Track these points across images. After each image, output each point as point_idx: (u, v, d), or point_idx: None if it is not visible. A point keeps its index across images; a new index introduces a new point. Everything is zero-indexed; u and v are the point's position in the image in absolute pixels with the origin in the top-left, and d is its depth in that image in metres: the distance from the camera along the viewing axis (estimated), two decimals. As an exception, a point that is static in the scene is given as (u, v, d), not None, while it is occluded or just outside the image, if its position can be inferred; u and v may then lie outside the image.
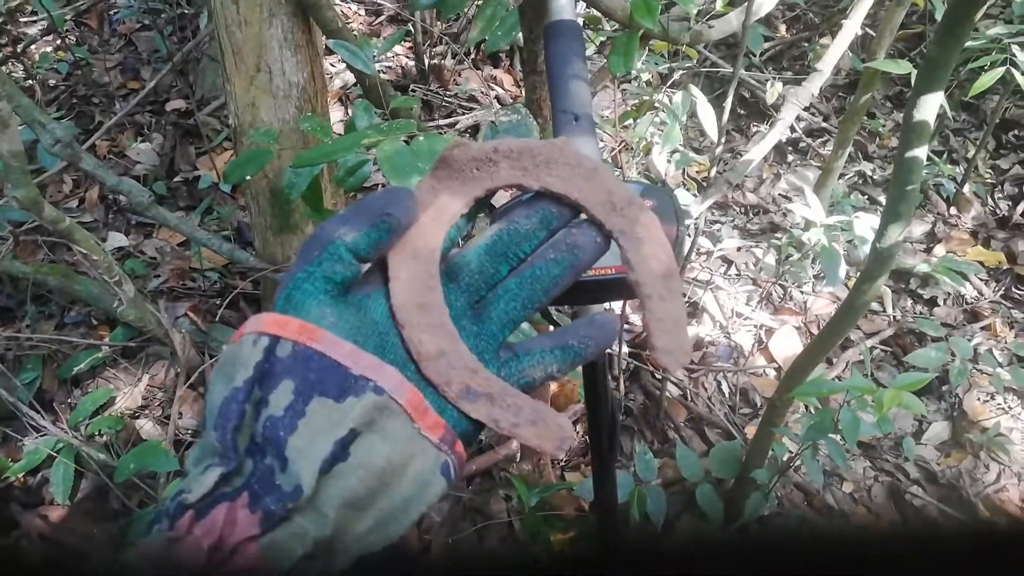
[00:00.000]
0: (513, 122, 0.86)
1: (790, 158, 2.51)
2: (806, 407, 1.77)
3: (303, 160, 0.83)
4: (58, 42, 2.55)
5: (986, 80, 1.78)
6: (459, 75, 2.57)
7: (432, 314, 0.37)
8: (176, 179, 2.17)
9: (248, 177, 1.24)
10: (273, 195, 1.40)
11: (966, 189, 2.35)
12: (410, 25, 2.50)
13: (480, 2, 1.08)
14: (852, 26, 1.34)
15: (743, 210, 2.32)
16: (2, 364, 1.51)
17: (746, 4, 1.19)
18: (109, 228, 2.03)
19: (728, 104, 1.21)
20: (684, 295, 1.91)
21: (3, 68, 2.33)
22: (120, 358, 1.68)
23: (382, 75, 2.44)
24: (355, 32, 2.68)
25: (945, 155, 2.47)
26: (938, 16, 1.80)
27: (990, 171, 2.46)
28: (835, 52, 1.36)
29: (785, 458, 1.47)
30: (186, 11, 2.51)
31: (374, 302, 0.38)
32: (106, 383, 1.63)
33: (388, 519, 0.34)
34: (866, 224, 1.51)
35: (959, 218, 2.33)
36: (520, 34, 1.09)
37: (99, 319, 1.75)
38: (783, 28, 2.85)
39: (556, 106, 0.72)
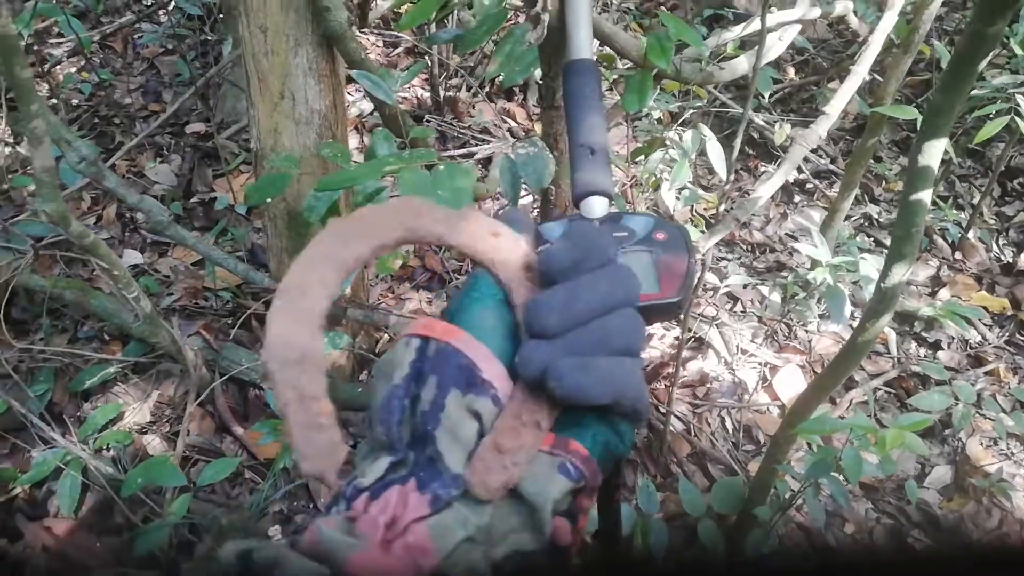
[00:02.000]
0: (530, 154, 0.89)
1: (797, 198, 2.54)
2: (809, 445, 1.78)
3: (327, 184, 0.86)
4: (82, 63, 2.61)
5: (991, 128, 1.81)
6: (473, 107, 2.62)
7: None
8: (192, 200, 2.21)
9: (268, 200, 1.27)
10: (290, 218, 1.43)
11: (971, 235, 2.37)
12: (427, 58, 2.56)
13: (498, 39, 1.12)
14: (860, 72, 1.38)
15: (749, 248, 2.35)
16: (15, 376, 1.53)
17: (757, 47, 1.23)
18: (125, 245, 2.06)
19: (738, 143, 1.24)
20: (690, 330, 1.93)
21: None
22: (131, 374, 1.70)
23: (399, 106, 2.50)
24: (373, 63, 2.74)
25: (951, 200, 2.50)
26: (944, 65, 1.84)
27: (995, 217, 2.48)
28: (843, 96, 1.39)
29: (787, 496, 1.47)
30: (209, 38, 2.58)
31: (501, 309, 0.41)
32: (116, 398, 1.65)
33: (531, 517, 0.36)
34: (872, 265, 1.54)
35: (964, 263, 2.35)
36: (535, 70, 1.13)
37: (111, 335, 1.77)
38: (792, 71, 2.90)
39: (574, 140, 0.74)
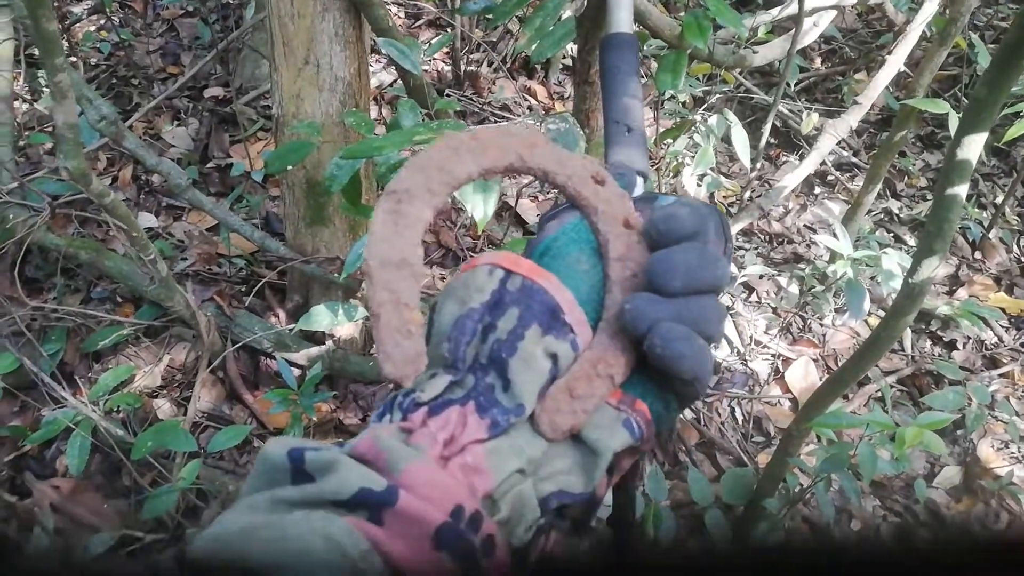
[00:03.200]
0: (561, 130, 0.87)
1: (817, 190, 2.51)
2: (818, 438, 1.77)
3: (352, 152, 0.84)
4: (102, 22, 2.58)
5: (1020, 127, 1.78)
6: (494, 84, 2.59)
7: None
8: (209, 165, 2.19)
9: (288, 167, 1.25)
10: (309, 187, 1.42)
11: (992, 234, 2.34)
12: (449, 31, 2.53)
13: (524, 14, 1.10)
14: (895, 62, 1.35)
15: (767, 238, 2.32)
16: (28, 333, 1.53)
17: (792, 32, 1.20)
18: (140, 208, 2.05)
19: (767, 130, 1.21)
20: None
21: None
22: (143, 337, 1.69)
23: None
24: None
25: (973, 199, 2.47)
26: (978, 59, 1.81)
27: (1017, 218, 2.45)
28: (877, 86, 1.36)
29: (796, 489, 1.46)
30: (231, 1, 2.55)
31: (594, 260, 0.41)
32: (127, 360, 1.65)
33: (583, 462, 0.36)
34: (894, 260, 1.51)
35: (983, 263, 2.32)
36: (564, 46, 1.11)
37: (124, 297, 1.77)
38: (819, 60, 2.86)
39: (609, 116, 0.72)
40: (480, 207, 0.75)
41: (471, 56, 2.64)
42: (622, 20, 0.75)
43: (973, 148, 0.92)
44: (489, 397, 0.36)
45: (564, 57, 2.64)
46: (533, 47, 1.13)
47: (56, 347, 1.59)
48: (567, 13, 0.74)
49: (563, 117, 0.89)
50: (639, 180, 0.69)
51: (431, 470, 0.32)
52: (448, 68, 2.59)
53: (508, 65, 2.66)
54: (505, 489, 0.34)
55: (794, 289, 2.05)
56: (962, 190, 0.94)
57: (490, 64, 2.62)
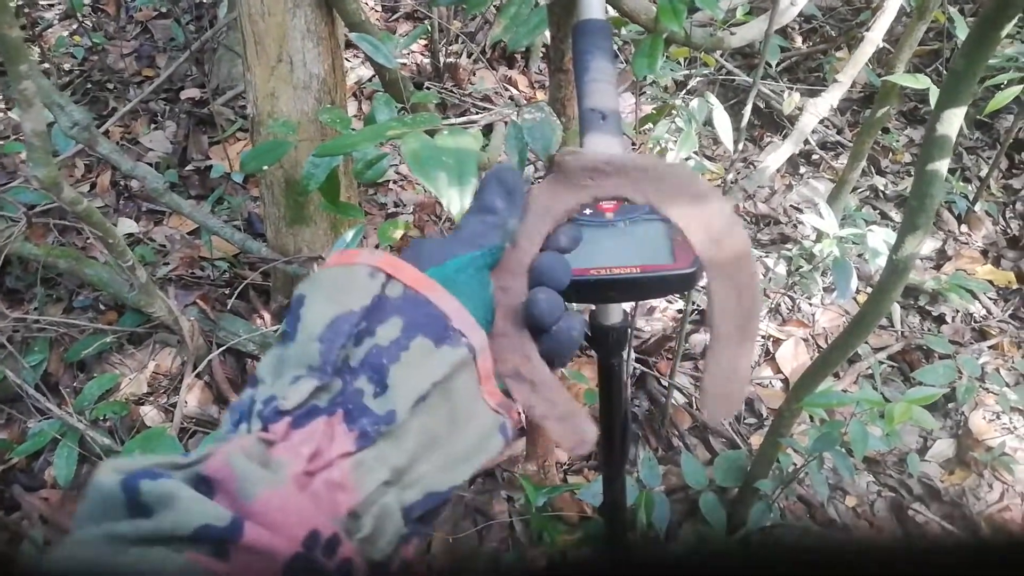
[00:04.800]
0: (536, 120, 0.86)
1: (802, 170, 2.51)
2: (811, 418, 1.77)
3: (325, 149, 0.83)
4: (75, 27, 2.55)
5: (1002, 98, 1.77)
6: (474, 74, 2.57)
7: (510, 298, 0.41)
8: (188, 168, 2.17)
9: (265, 167, 1.24)
10: (288, 186, 1.40)
11: (977, 207, 2.35)
12: (427, 22, 2.51)
13: (503, 0, 1.08)
14: (874, 38, 1.34)
15: (753, 219, 2.32)
16: (9, 346, 1.51)
17: (768, 12, 1.19)
18: (120, 214, 2.02)
19: (747, 112, 1.20)
20: (694, 303, 1.91)
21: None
22: (127, 344, 1.68)
23: (400, 71, 2.45)
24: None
25: (958, 173, 2.47)
26: (957, 33, 1.80)
27: (1002, 190, 2.45)
28: (856, 64, 1.35)
29: (790, 469, 1.46)
30: (204, 0, 2.51)
31: (479, 263, 0.41)
32: (112, 368, 1.63)
33: (453, 463, 0.36)
34: (879, 237, 1.51)
35: (970, 236, 2.33)
36: (542, 33, 1.09)
37: (107, 304, 1.75)
38: (799, 39, 2.85)
39: (584, 104, 0.71)
40: (456, 201, 0.74)
41: (450, 48, 2.62)
42: (593, 5, 0.74)
43: (953, 122, 0.91)
44: (358, 404, 0.35)
45: (544, 45, 2.62)
46: (509, 36, 1.12)
47: (39, 358, 1.57)
48: (541, 0, 0.73)
49: (539, 106, 0.87)
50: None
51: (286, 495, 0.31)
52: (427, 60, 2.57)
53: (488, 55, 2.64)
54: (370, 503, 0.33)
55: (781, 270, 2.05)
56: (943, 165, 0.94)
57: (469, 55, 2.60)
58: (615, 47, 2.03)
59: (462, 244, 0.41)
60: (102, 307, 1.76)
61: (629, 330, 0.74)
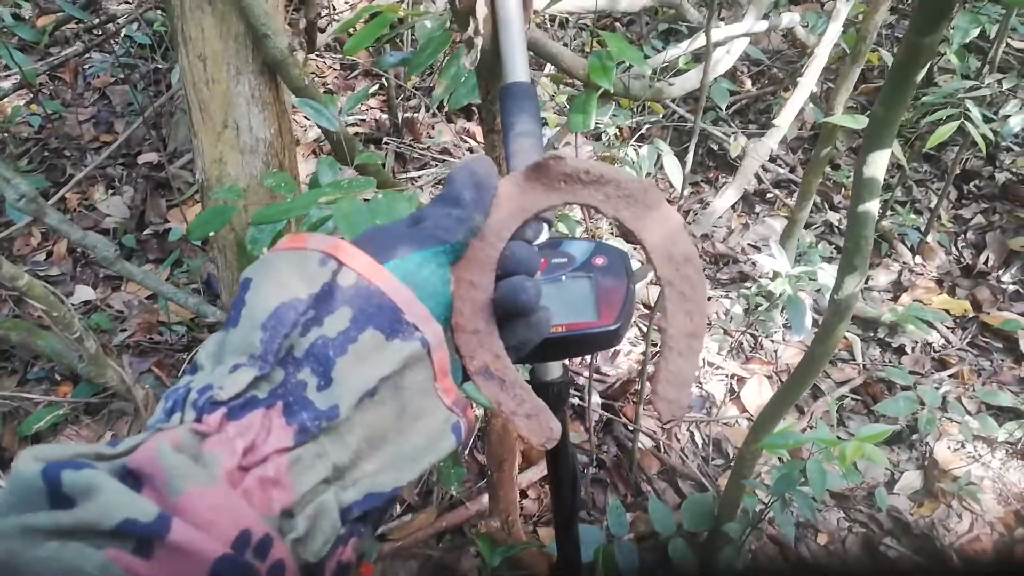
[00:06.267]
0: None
1: (758, 208, 2.56)
2: (780, 459, 1.77)
3: (262, 217, 0.84)
4: (31, 96, 2.55)
5: (942, 133, 1.83)
6: (432, 128, 2.61)
7: (479, 293, 0.41)
8: (146, 231, 2.16)
9: (211, 233, 1.23)
10: (240, 249, 1.40)
11: (930, 238, 2.40)
12: (384, 80, 2.54)
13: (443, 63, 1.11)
14: (807, 83, 1.38)
15: (712, 259, 2.35)
16: (-42, 422, 1.47)
17: (703, 63, 1.23)
18: (77, 281, 2.01)
19: (690, 159, 1.23)
20: (655, 344, 1.92)
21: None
22: (83, 415, 1.64)
23: (356, 128, 2.47)
24: (329, 86, 2.72)
25: (908, 205, 2.53)
26: (894, 73, 1.86)
27: (953, 221, 2.52)
28: (792, 108, 1.39)
29: (757, 510, 1.46)
30: (160, 66, 2.54)
31: (441, 259, 0.40)
32: (68, 440, 1.59)
33: (400, 462, 0.35)
34: (829, 274, 1.54)
35: (924, 267, 2.38)
36: (475, 95, 1.12)
37: (63, 375, 1.72)
38: (748, 82, 2.93)
39: (511, 165, 0.73)
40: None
41: (407, 103, 2.65)
42: (516, 68, 0.76)
43: (879, 164, 0.94)
44: (299, 397, 0.33)
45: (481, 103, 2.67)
46: (449, 96, 1.14)
47: (-10, 434, 1.53)
48: (464, 64, 0.75)
49: (482, 157, 0.89)
50: (544, 227, 0.70)
51: (216, 492, 0.29)
52: (386, 116, 2.60)
53: (445, 109, 2.68)
54: (305, 502, 0.32)
55: (738, 309, 2.07)
56: (873, 206, 0.96)
57: (427, 109, 2.64)
58: (566, 99, 2.08)
59: (424, 237, 0.40)
60: (58, 377, 1.73)
61: (568, 384, 0.75)
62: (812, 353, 1.14)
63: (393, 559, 1.51)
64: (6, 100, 2.54)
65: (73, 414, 1.63)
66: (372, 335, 0.34)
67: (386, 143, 2.46)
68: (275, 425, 0.32)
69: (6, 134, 2.34)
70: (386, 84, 2.51)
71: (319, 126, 1.28)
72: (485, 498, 1.53)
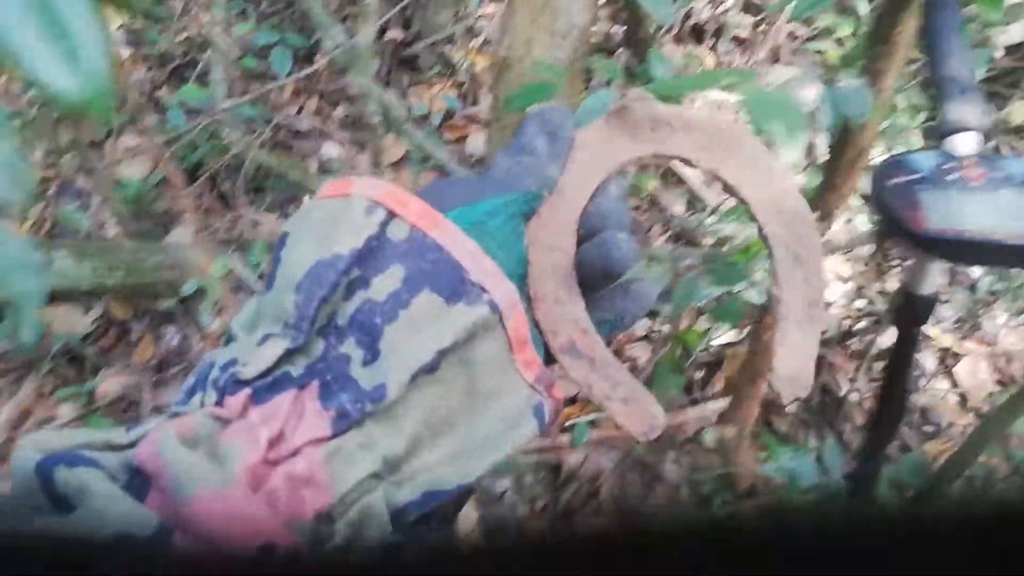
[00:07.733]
0: (851, 88, 0.87)
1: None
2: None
3: (657, 89, 0.87)
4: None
5: None
6: (661, 48, 2.58)
7: (559, 256, 0.35)
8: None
9: (524, 108, 1.29)
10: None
11: None
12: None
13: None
14: None
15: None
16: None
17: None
18: (324, 138, 2.16)
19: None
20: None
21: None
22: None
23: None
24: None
25: None
26: None
27: None
28: None
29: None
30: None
31: (513, 209, 0.33)
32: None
33: (467, 452, 0.29)
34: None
35: None
36: (820, 8, 1.09)
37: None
38: None
39: (942, 73, 0.73)
40: (792, 151, 0.77)
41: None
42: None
43: None
44: (341, 374, 0.27)
45: (737, 27, 2.60)
46: (792, 5, 1.13)
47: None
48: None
49: (852, 76, 0.89)
50: (974, 137, 0.71)
51: (231, 495, 0.24)
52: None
53: (675, 31, 2.63)
54: (348, 503, 0.26)
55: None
56: None
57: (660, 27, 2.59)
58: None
59: (493, 185, 0.33)
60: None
61: (935, 302, 0.77)
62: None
63: (598, 445, 1.59)
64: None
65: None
66: (428, 298, 0.28)
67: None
68: (308, 410, 0.27)
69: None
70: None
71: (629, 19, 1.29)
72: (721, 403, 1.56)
